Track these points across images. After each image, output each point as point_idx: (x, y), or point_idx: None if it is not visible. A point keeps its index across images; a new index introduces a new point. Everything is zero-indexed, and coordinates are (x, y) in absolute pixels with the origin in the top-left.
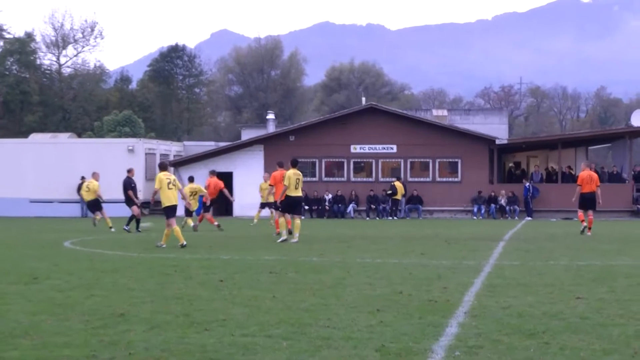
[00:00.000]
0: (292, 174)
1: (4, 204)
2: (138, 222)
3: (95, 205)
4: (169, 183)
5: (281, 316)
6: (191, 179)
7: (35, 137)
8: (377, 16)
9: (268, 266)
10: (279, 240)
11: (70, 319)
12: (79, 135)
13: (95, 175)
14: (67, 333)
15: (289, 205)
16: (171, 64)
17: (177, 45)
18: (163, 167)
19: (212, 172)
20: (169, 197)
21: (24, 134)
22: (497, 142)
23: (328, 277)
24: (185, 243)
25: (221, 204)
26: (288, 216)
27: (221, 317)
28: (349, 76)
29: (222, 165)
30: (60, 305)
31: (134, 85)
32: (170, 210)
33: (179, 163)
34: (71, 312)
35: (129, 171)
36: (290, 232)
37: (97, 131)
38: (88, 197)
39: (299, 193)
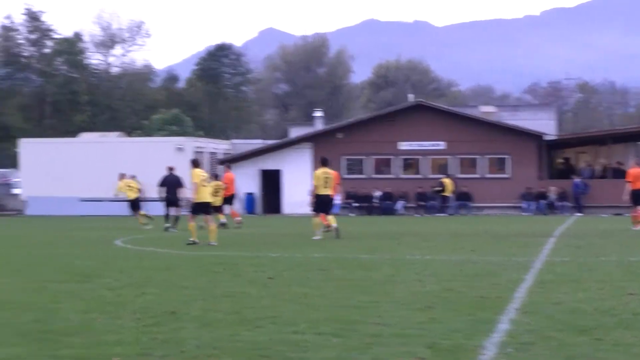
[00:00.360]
0: (321, 173)
1: (54, 203)
2: (177, 220)
3: (138, 203)
4: (203, 180)
5: (331, 313)
6: (215, 176)
7: (84, 136)
8: (424, 13)
9: (317, 263)
10: (313, 238)
11: (121, 317)
12: (128, 135)
13: (123, 176)
14: (118, 331)
15: (319, 204)
16: (218, 62)
17: (224, 43)
18: (197, 164)
19: (228, 167)
20: (202, 194)
21: (73, 133)
22: (546, 138)
23: (377, 274)
24: (197, 241)
25: (270, 201)
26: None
27: (271, 315)
28: (396, 73)
29: (270, 163)
30: (112, 304)
31: (181, 84)
32: (201, 207)
33: (228, 161)
34: (122, 310)
35: (173, 168)
36: (328, 230)
37: (145, 130)
38: (132, 194)
39: (329, 191)
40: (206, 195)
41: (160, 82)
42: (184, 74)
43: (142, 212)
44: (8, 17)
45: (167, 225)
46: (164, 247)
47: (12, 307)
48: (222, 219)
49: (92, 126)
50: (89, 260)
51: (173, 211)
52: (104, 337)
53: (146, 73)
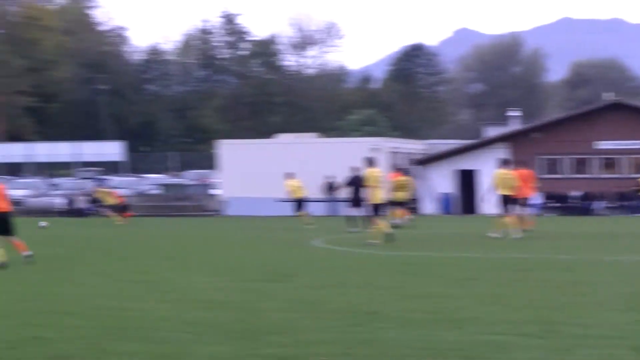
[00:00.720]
0: (500, 173)
1: (252, 203)
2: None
3: (302, 202)
4: (379, 180)
5: (532, 314)
6: (404, 171)
7: (280, 137)
8: (620, 10)
9: (516, 264)
10: (513, 237)
11: (323, 316)
12: (324, 135)
13: (290, 175)
14: (320, 330)
15: (503, 204)
16: (413, 62)
17: (418, 44)
18: (372, 163)
19: (399, 169)
20: (377, 194)
21: (269, 134)
22: None
23: (577, 275)
24: (378, 243)
25: (467, 201)
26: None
27: (470, 315)
28: (592, 71)
29: (466, 163)
30: (313, 303)
31: (376, 84)
32: (378, 208)
33: (424, 161)
34: (323, 310)
35: (359, 168)
36: (523, 230)
37: (341, 131)
38: (297, 194)
39: (509, 192)
40: (381, 196)
41: (355, 83)
42: (379, 75)
43: (303, 212)
44: (205, 21)
45: (353, 229)
46: (360, 247)
47: (215, 306)
48: (399, 218)
49: (288, 127)
50: (288, 260)
51: (356, 212)
52: (305, 336)
53: (340, 74)
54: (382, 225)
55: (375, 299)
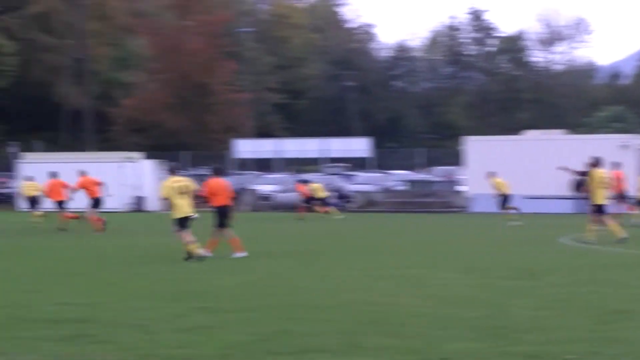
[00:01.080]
0: None
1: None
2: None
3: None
4: (603, 181)
5: None
6: None
7: (528, 134)
8: None
9: None
10: None
11: (572, 314)
12: (571, 132)
13: (491, 174)
14: (570, 329)
15: None
16: None
17: None
18: (598, 163)
19: (616, 165)
20: (601, 195)
21: (516, 131)
22: None
23: None
24: (624, 236)
25: None
26: None
27: None
28: None
29: None
30: (561, 301)
31: (625, 80)
32: (599, 208)
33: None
34: (573, 308)
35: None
36: None
37: (589, 127)
38: (502, 190)
39: None
40: (604, 197)
41: (604, 79)
42: (629, 70)
43: (509, 206)
44: (453, 17)
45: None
46: (608, 245)
47: (464, 303)
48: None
49: (536, 124)
50: (536, 258)
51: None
52: (555, 334)
53: (589, 70)
54: (614, 226)
55: (625, 298)
